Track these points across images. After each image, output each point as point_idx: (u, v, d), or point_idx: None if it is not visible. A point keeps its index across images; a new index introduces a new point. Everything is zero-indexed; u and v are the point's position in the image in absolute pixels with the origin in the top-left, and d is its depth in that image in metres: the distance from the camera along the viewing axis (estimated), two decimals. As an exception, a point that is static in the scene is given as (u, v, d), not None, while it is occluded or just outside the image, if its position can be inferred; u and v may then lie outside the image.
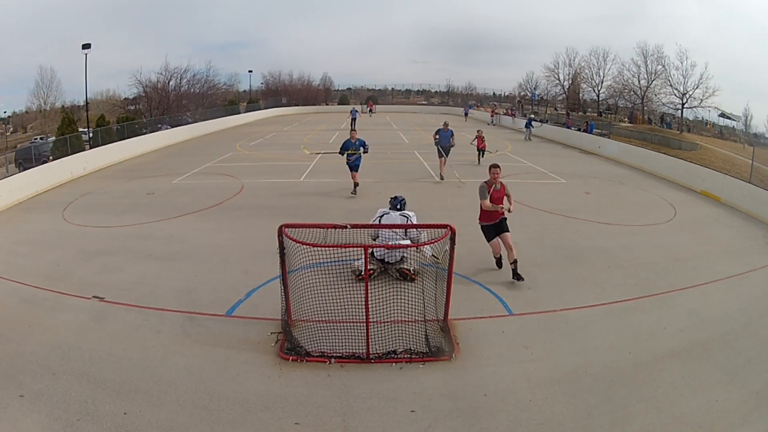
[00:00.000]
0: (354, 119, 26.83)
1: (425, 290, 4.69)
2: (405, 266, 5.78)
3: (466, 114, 37.35)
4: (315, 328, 4.62)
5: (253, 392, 3.88)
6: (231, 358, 4.35)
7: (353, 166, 10.58)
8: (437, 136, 12.35)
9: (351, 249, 4.48)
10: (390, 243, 5.75)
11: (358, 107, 37.94)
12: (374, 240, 5.87)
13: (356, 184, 10.54)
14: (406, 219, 6.25)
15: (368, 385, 3.98)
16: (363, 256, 5.27)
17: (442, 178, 12.29)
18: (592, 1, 47.54)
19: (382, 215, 6.38)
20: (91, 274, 6.33)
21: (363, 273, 5.16)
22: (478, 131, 15.53)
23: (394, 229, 5.80)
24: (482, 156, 14.84)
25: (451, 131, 12.46)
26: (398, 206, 6.49)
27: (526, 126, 23.47)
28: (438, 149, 12.31)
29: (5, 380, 3.97)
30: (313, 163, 14.81)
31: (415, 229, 5.73)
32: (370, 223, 6.20)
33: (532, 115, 27.37)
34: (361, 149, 10.52)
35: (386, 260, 5.86)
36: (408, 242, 5.82)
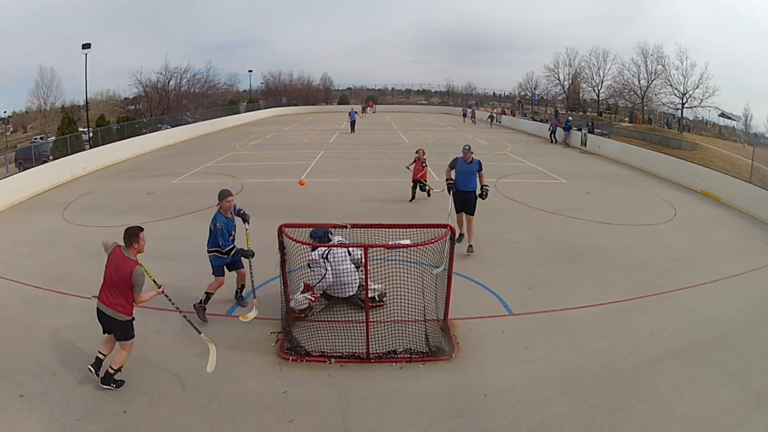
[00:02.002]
0: (354, 122, 25.69)
1: (425, 290, 4.69)
2: (370, 296, 5.13)
3: (464, 115, 36.43)
4: (315, 328, 4.62)
5: (253, 392, 3.88)
6: (231, 358, 4.34)
7: (231, 263, 5.20)
8: (452, 173, 7.09)
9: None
10: (347, 278, 5.13)
11: (358, 107, 37.52)
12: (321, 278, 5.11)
13: (240, 288, 5.49)
14: (347, 252, 5.33)
15: (368, 385, 3.98)
16: (303, 290, 5.13)
17: (470, 251, 6.91)
18: (592, 1, 47.68)
19: (326, 254, 5.16)
20: (91, 274, 6.31)
21: (302, 312, 5.04)
22: (417, 152, 10.18)
23: (345, 261, 5.17)
24: (422, 190, 10.16)
25: (478, 162, 6.99)
26: (327, 238, 5.39)
27: (565, 128, 21.48)
28: (451, 200, 7.01)
29: (5, 380, 3.97)
30: (313, 163, 14.82)
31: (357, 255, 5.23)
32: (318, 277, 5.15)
33: (570, 118, 23.47)
34: (246, 227, 5.30)
35: (334, 295, 5.17)
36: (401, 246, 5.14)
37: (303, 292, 5.15)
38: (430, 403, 3.75)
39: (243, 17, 57.61)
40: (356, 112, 27.26)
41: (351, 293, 5.25)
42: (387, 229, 5.62)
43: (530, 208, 9.68)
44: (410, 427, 3.50)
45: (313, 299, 5.09)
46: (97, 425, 3.47)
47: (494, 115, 33.12)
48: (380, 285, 5.31)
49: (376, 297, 5.27)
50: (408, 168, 10.36)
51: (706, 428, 3.50)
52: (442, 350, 4.40)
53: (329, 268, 5.12)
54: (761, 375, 4.15)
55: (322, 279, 5.09)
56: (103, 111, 29.73)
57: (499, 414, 3.64)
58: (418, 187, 10.16)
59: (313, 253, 5.20)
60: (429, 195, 10.30)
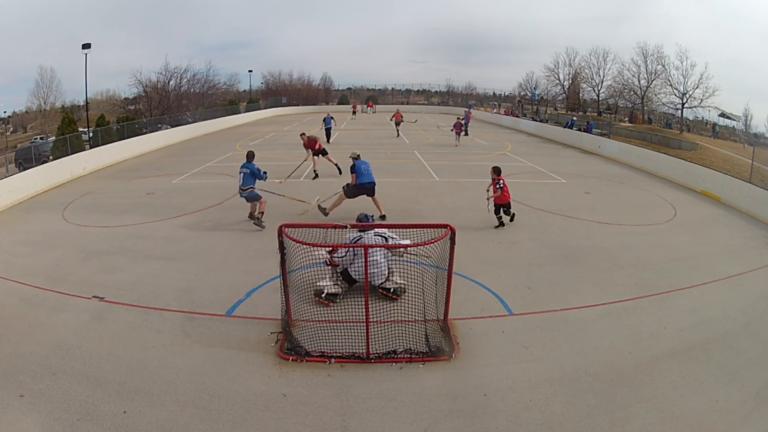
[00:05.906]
0: (329, 129, 20.11)
1: (425, 290, 4.69)
2: (386, 285, 5.40)
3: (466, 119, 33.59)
4: (315, 328, 4.62)
5: (253, 392, 3.88)
6: (231, 358, 4.35)
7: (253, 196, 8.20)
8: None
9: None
10: (372, 264, 5.19)
11: (344, 107, 34.94)
12: (350, 264, 5.34)
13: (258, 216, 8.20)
14: (384, 239, 5.54)
15: (368, 385, 3.98)
16: (327, 276, 5.33)
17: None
18: (592, 1, 47.73)
19: (357, 240, 5.50)
20: (91, 274, 6.33)
21: (324, 297, 5.22)
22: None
23: (377, 251, 5.31)
24: (507, 214, 8.31)
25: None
26: (367, 219, 5.84)
27: (567, 126, 21.52)
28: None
29: (5, 380, 3.97)
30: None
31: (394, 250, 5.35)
32: (343, 252, 5.37)
33: (574, 119, 24.06)
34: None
35: (355, 277, 5.32)
36: (387, 263, 5.44)
37: (330, 277, 5.35)
38: (430, 403, 3.75)
39: (243, 17, 57.57)
40: (333, 119, 20.90)
41: (374, 282, 5.38)
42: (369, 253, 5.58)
43: (530, 208, 9.68)
44: (410, 427, 3.50)
45: (335, 273, 5.32)
46: (97, 425, 3.47)
47: (462, 122, 20.78)
48: (403, 281, 5.41)
49: (391, 289, 5.38)
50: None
51: (706, 428, 3.50)
52: (442, 350, 4.40)
53: (352, 252, 5.31)
54: (761, 375, 4.15)
55: (343, 256, 5.30)
56: (103, 111, 29.77)
57: (499, 414, 3.64)
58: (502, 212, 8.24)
59: (347, 235, 5.52)
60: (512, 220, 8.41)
